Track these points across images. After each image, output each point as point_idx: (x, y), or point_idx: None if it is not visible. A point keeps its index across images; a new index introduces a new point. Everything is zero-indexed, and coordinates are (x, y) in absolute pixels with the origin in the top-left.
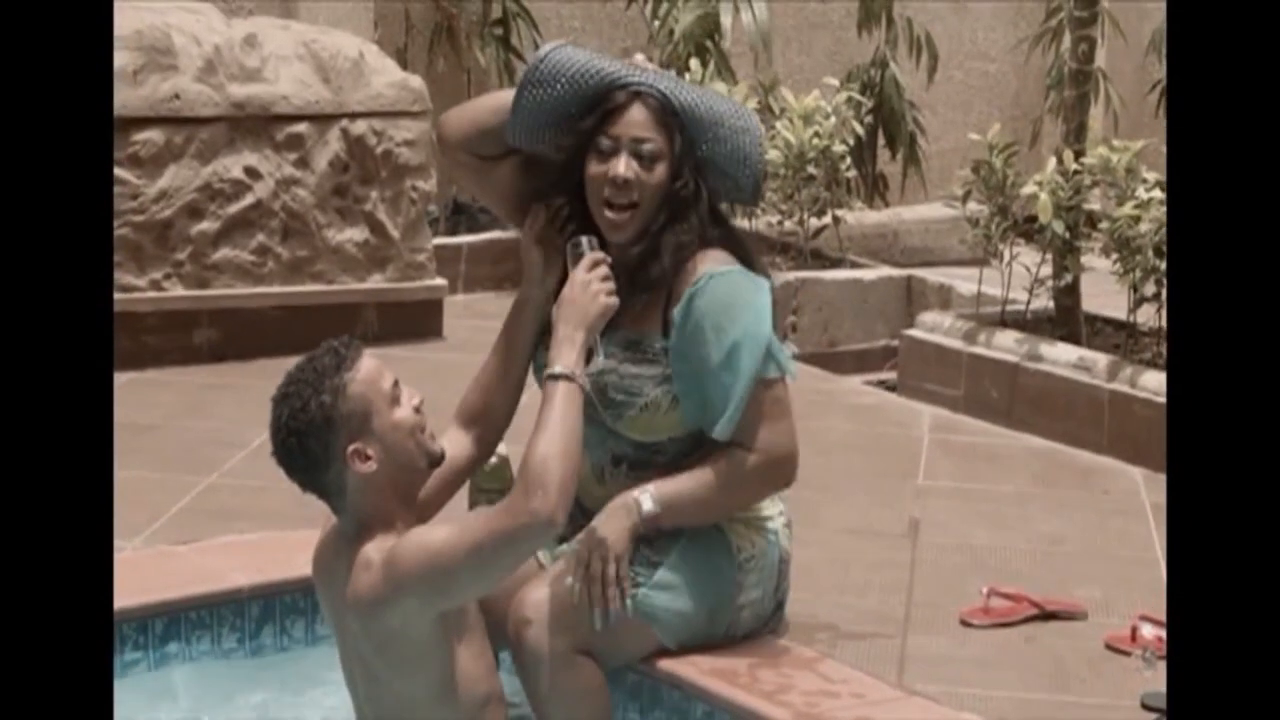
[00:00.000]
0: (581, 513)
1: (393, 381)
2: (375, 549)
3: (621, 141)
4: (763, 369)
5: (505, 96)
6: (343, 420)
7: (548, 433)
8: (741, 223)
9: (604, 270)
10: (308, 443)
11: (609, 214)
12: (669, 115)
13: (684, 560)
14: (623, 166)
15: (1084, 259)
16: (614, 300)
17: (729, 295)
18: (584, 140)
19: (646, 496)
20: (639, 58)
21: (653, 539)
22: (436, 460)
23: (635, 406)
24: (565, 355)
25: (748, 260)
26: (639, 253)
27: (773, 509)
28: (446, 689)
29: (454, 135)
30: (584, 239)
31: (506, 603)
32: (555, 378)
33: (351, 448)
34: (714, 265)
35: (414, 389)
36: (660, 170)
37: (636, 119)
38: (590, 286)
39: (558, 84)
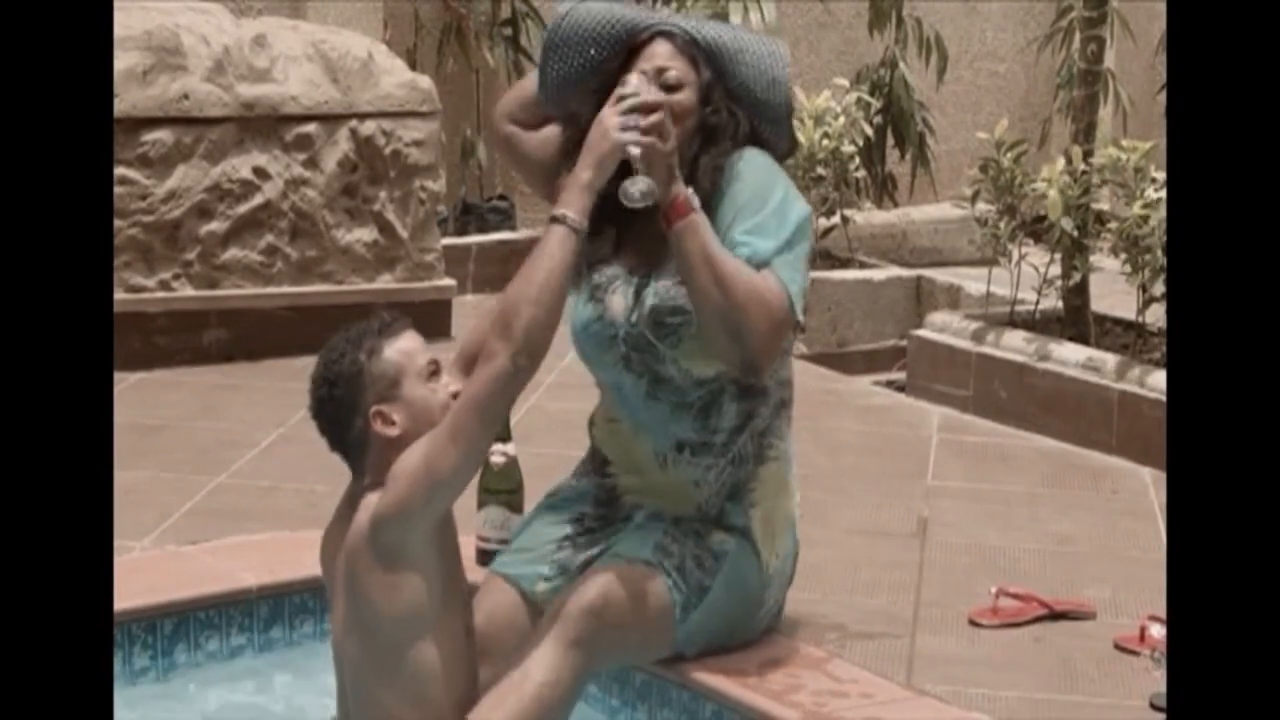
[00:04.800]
0: (603, 500)
1: (431, 361)
2: (377, 494)
3: (648, 73)
4: (796, 228)
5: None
6: (372, 379)
7: (526, 274)
8: None
9: (629, 105)
10: (336, 393)
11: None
12: (692, 46)
13: (726, 583)
14: (650, 94)
15: (1093, 259)
16: (627, 136)
17: (769, 164)
18: (609, 80)
19: (696, 198)
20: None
21: (703, 559)
22: None
23: (692, 324)
24: (569, 197)
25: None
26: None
27: (795, 499)
28: (430, 632)
29: (501, 109)
30: (632, 77)
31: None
32: (553, 219)
33: (376, 408)
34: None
35: (456, 379)
36: (687, 95)
37: (659, 51)
38: (605, 123)
39: (578, 42)
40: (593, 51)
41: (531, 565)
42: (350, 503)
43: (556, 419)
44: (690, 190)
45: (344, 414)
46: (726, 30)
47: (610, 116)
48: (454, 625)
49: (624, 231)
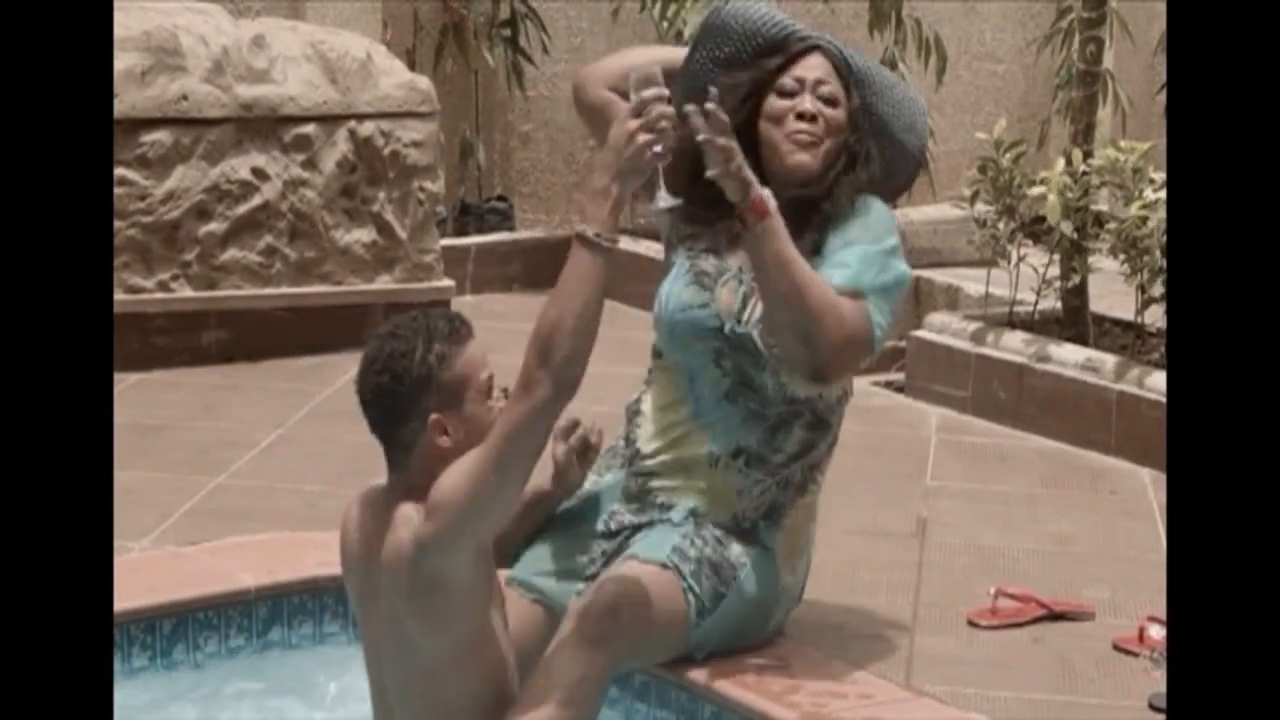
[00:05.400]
0: (633, 494)
1: (490, 376)
2: (416, 508)
3: (805, 83)
4: (896, 279)
5: (657, 50)
6: (437, 386)
7: (562, 301)
8: None
9: (657, 111)
10: (398, 388)
11: (799, 135)
12: (846, 69)
13: (741, 592)
14: (809, 102)
15: (1092, 260)
16: (654, 147)
17: (889, 216)
18: (762, 79)
19: (772, 200)
20: None
21: (721, 567)
22: None
23: None
24: (595, 210)
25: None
26: (813, 192)
27: (814, 523)
28: (471, 652)
29: (603, 73)
30: (646, 68)
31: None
32: (580, 238)
33: (435, 416)
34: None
35: (504, 394)
36: (840, 113)
37: (817, 63)
38: (627, 127)
39: (738, 33)
40: (749, 45)
41: (565, 583)
42: (386, 500)
43: None
44: (768, 192)
45: (401, 412)
46: (874, 65)
47: (631, 120)
48: (494, 650)
49: (737, 230)
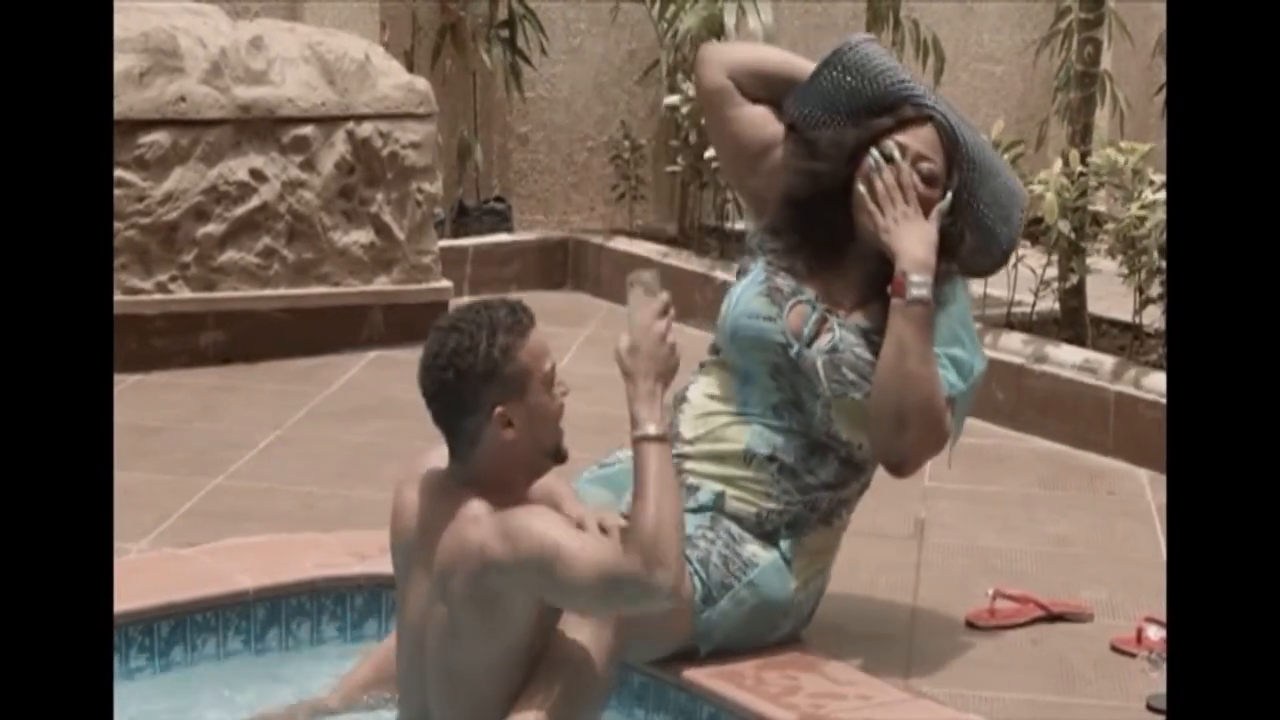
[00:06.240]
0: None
1: (552, 365)
2: (484, 507)
3: (908, 151)
4: (977, 380)
5: (791, 57)
6: (502, 380)
7: (653, 500)
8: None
9: (669, 316)
10: (462, 383)
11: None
12: (954, 147)
13: (750, 588)
14: (905, 175)
15: (1090, 260)
16: (678, 356)
17: (968, 305)
18: (870, 136)
19: (920, 290)
20: None
21: (730, 560)
22: (562, 457)
23: (861, 391)
24: (650, 412)
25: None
26: (869, 275)
27: (835, 554)
28: (522, 659)
29: (729, 58)
30: (646, 273)
31: None
32: (647, 439)
33: (499, 409)
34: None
35: (565, 382)
36: (935, 193)
37: (926, 136)
38: (659, 329)
39: (864, 71)
40: (868, 88)
41: None
42: (447, 485)
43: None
44: (921, 279)
45: (465, 406)
46: (985, 145)
47: (661, 321)
48: (532, 662)
49: (818, 262)
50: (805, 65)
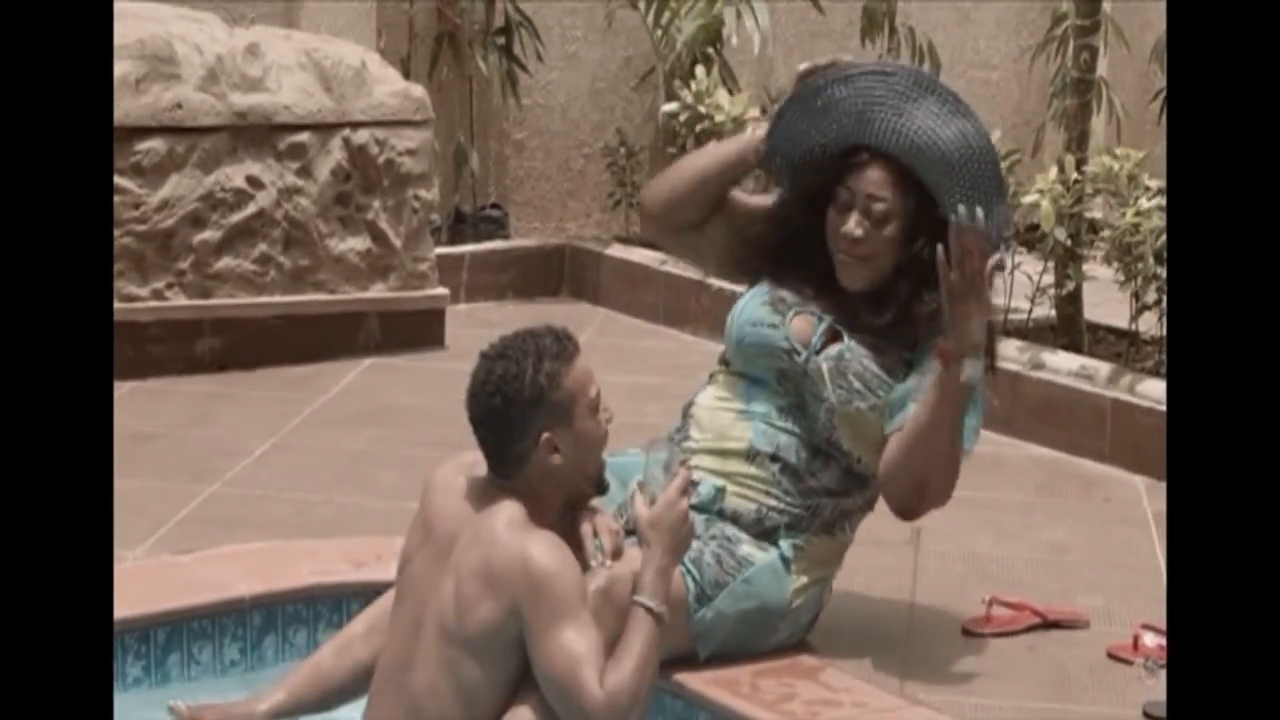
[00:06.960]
0: (666, 465)
1: (597, 391)
2: (512, 526)
3: (857, 197)
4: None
5: (700, 163)
6: (548, 406)
7: (638, 669)
8: None
9: (690, 493)
10: (510, 409)
11: (843, 257)
12: (905, 177)
13: (746, 587)
14: (853, 223)
15: (1086, 267)
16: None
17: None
18: (824, 184)
19: (967, 369)
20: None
21: (724, 559)
22: (604, 488)
23: (867, 401)
24: (657, 589)
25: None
26: (869, 300)
27: (837, 568)
28: (508, 684)
29: (655, 207)
30: (665, 450)
31: None
32: (647, 610)
33: (546, 435)
34: None
35: (610, 408)
36: (891, 229)
37: (873, 178)
38: (681, 508)
39: (816, 113)
40: (819, 146)
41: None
42: (487, 493)
43: None
44: (972, 363)
45: (513, 432)
46: (951, 137)
47: (682, 500)
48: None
49: (822, 283)
50: (706, 162)
